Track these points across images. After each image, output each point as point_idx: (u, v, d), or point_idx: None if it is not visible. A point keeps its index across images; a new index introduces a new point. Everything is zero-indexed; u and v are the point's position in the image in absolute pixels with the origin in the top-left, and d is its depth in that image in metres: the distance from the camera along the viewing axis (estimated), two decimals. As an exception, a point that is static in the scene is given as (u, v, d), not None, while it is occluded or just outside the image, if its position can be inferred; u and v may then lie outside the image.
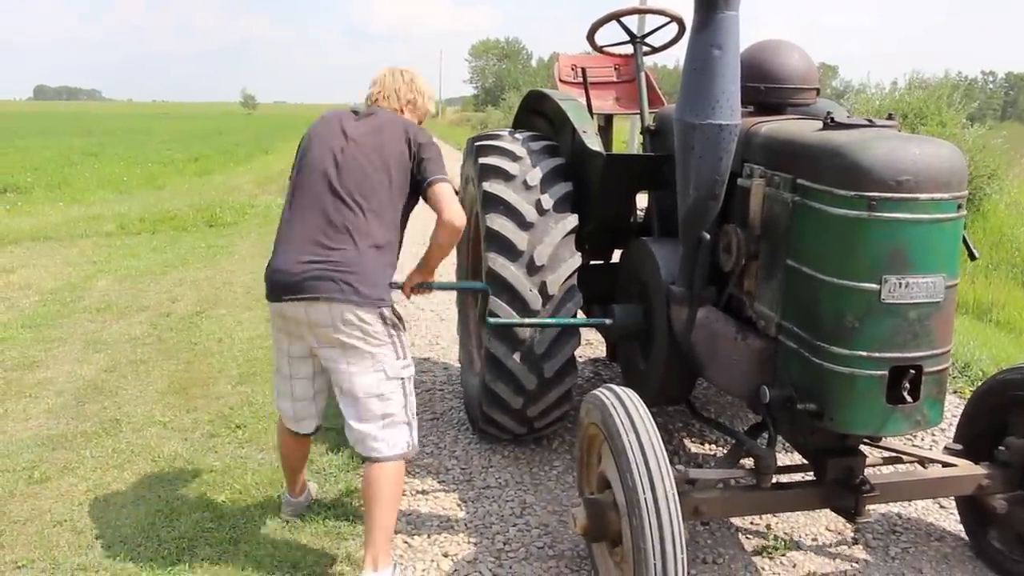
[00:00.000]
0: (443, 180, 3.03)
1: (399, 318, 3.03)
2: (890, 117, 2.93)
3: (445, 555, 3.34)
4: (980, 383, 3.54)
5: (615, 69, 5.08)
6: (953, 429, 3.55)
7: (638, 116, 4.32)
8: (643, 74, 4.36)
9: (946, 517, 3.71)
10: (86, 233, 11.14)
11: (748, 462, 3.04)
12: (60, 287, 7.91)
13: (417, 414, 4.66)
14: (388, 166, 3.01)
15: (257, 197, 14.77)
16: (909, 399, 2.63)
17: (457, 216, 2.98)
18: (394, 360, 2.98)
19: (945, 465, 3.21)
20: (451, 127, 49.13)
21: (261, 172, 20.97)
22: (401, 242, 3.11)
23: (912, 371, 2.62)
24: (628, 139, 12.25)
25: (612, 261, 4.49)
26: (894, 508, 3.78)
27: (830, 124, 2.81)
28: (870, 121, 2.82)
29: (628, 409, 2.63)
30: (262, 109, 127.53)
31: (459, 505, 3.75)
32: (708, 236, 3.02)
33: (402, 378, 3.01)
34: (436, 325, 6.42)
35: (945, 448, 3.34)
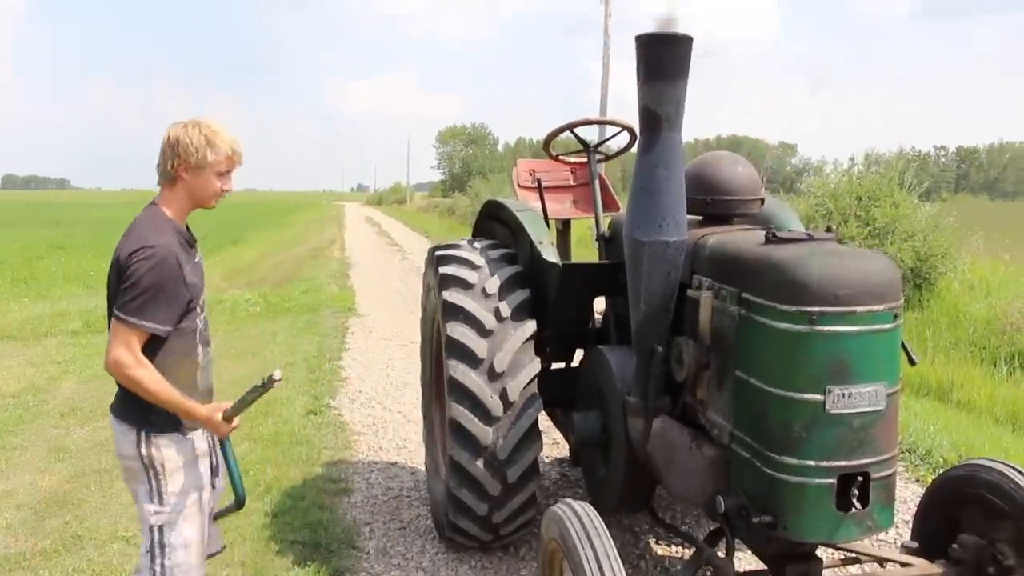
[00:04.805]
0: (117, 317, 2.71)
1: (161, 457, 2.79)
2: (828, 229, 3.07)
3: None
4: (937, 474, 3.61)
5: (572, 172, 5.24)
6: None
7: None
8: (596, 182, 4.53)
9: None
10: (51, 331, 11.04)
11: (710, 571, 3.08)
12: (23, 390, 7.82)
13: (384, 523, 4.71)
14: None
15: (225, 291, 14.67)
16: (858, 505, 2.70)
17: (108, 356, 2.71)
18: (148, 503, 2.81)
19: (903, 565, 3.26)
20: (419, 213, 49.57)
21: (229, 264, 20.94)
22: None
23: (860, 478, 2.70)
24: (592, 229, 12.46)
25: (573, 364, 4.56)
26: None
27: (772, 239, 2.94)
28: (809, 235, 2.96)
29: (584, 524, 2.68)
30: (231, 196, 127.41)
31: (426, 617, 3.72)
32: (660, 348, 3.12)
33: (151, 525, 2.80)
34: (403, 427, 6.42)
35: (902, 545, 3.40)
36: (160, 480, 2.79)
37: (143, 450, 2.78)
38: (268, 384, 2.74)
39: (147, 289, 2.67)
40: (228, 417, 2.82)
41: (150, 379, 2.70)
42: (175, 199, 2.89)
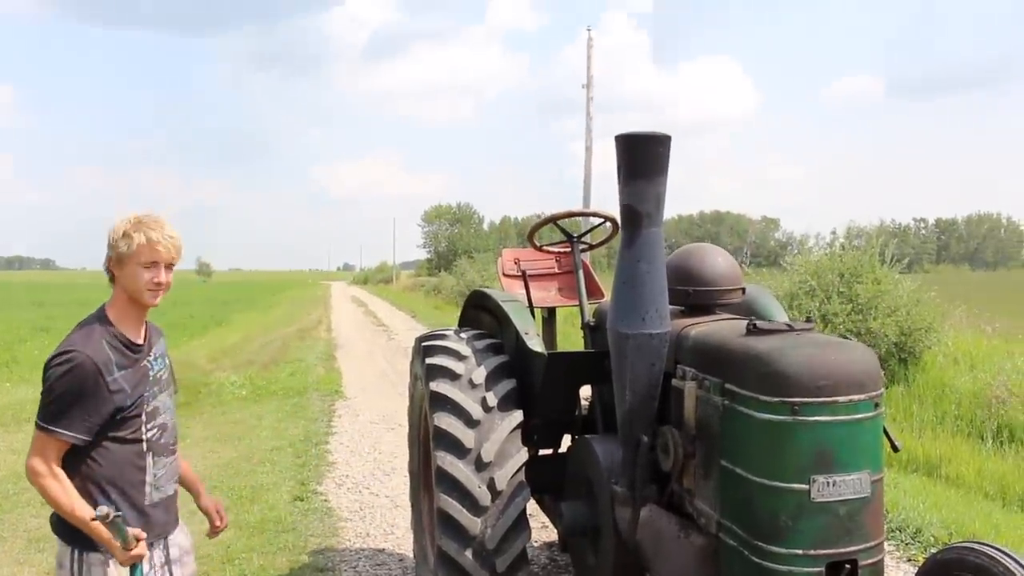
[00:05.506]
0: (36, 424, 2.70)
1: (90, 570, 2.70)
2: (808, 319, 3.15)
3: None
4: (928, 555, 3.60)
5: (556, 260, 5.32)
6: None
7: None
8: (581, 271, 4.61)
9: None
10: (33, 417, 10.80)
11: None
12: (3, 478, 7.69)
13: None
14: None
15: (211, 374, 14.57)
16: None
17: (26, 463, 2.68)
18: None
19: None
20: (405, 292, 49.70)
21: (215, 346, 20.83)
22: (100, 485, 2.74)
23: (848, 566, 2.71)
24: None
25: (561, 450, 4.57)
26: None
27: (753, 330, 3.01)
28: (789, 326, 3.03)
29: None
30: (218, 277, 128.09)
31: None
32: (646, 438, 3.16)
33: None
34: (391, 513, 6.36)
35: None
36: None
37: (75, 567, 2.70)
38: (102, 520, 2.55)
39: (60, 397, 2.64)
40: (123, 545, 2.64)
41: (58, 491, 2.62)
42: (116, 298, 2.84)
